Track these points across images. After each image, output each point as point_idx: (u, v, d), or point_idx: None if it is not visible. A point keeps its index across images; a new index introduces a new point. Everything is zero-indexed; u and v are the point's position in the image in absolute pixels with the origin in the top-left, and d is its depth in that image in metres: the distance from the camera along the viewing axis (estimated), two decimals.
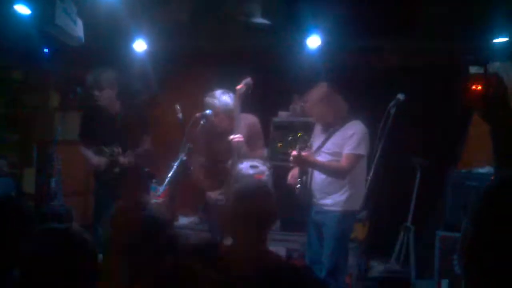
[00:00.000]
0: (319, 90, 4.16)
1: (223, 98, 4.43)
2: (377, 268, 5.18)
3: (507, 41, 4.81)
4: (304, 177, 4.17)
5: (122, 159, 4.78)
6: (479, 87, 1.54)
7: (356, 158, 4.00)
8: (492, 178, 4.64)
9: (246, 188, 2.76)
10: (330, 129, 4.16)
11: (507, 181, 1.31)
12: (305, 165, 4.11)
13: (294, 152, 3.98)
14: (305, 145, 4.00)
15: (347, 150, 4.00)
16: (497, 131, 1.63)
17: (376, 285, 5.01)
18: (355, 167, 4.01)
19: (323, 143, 4.17)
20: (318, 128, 4.35)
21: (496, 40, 4.88)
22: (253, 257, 2.39)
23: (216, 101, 4.42)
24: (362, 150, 4.00)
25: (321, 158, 4.14)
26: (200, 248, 2.06)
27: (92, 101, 4.83)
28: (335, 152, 4.06)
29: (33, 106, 6.23)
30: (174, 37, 5.18)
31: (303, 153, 3.95)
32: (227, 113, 4.42)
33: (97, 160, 4.80)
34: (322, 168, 4.10)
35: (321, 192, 4.12)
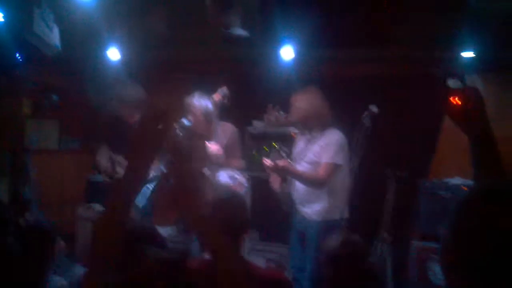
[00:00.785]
0: (308, 93, 4.17)
1: (203, 100, 4.44)
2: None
3: (474, 55, 4.94)
4: (284, 185, 4.18)
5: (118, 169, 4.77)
6: (459, 101, 1.58)
7: (334, 167, 3.98)
8: (465, 188, 4.78)
9: (219, 197, 2.78)
10: (309, 137, 4.17)
11: (484, 191, 1.35)
12: (282, 174, 4.09)
13: (269, 161, 3.97)
14: (279, 154, 3.99)
15: (324, 159, 4.00)
16: (476, 144, 1.66)
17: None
18: (333, 176, 4.00)
19: (303, 151, 4.19)
20: (299, 137, 4.35)
21: (463, 54, 5.01)
22: (231, 269, 2.38)
23: (195, 102, 4.42)
24: (340, 160, 3.99)
25: (300, 167, 4.13)
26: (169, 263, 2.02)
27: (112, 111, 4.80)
28: (314, 161, 4.07)
29: (4, 113, 6.12)
30: (150, 45, 5.18)
31: (279, 163, 3.94)
32: (205, 115, 4.41)
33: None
34: (299, 177, 4.10)
35: (302, 200, 4.14)
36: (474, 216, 1.27)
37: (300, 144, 4.30)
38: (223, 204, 2.62)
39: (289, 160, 4.07)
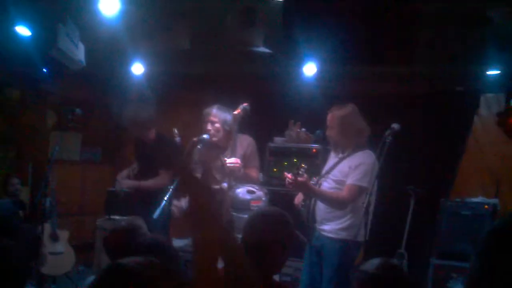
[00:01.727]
0: (347, 108, 4.03)
1: (222, 111, 4.46)
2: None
3: (499, 73, 4.90)
4: (307, 201, 4.13)
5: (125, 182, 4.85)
6: None
7: (359, 189, 3.84)
8: (486, 207, 4.72)
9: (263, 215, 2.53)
10: (341, 155, 4.08)
11: None
12: (302, 190, 4.02)
13: (290, 176, 3.87)
14: (300, 171, 3.91)
15: (350, 180, 3.87)
16: None
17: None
18: (357, 198, 3.86)
19: (331, 168, 4.08)
20: (331, 154, 4.26)
21: (489, 72, 4.96)
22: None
23: (214, 112, 4.44)
24: (366, 183, 3.83)
25: (326, 183, 4.06)
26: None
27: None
28: (340, 181, 3.95)
29: (30, 125, 6.24)
30: (173, 61, 5.23)
31: (299, 179, 3.81)
32: (224, 125, 4.43)
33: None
34: (320, 196, 4.01)
35: (322, 217, 4.02)
36: (502, 246, 1.24)
37: (330, 161, 4.21)
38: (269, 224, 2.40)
39: (306, 176, 3.96)
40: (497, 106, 5.43)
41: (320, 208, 4.06)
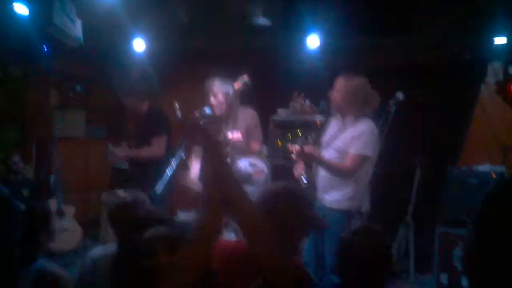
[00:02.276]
0: (353, 78, 3.98)
1: (224, 84, 4.42)
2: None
3: (506, 41, 4.82)
4: (309, 171, 4.13)
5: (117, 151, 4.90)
6: None
7: (362, 159, 3.86)
8: (494, 175, 4.69)
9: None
10: (341, 124, 4.06)
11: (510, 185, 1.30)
12: (309, 159, 4.00)
13: (297, 147, 3.87)
14: (306, 140, 3.90)
15: (353, 150, 3.86)
16: None
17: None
18: (360, 167, 3.89)
19: (333, 138, 4.06)
20: (331, 123, 4.25)
21: (496, 40, 4.88)
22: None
23: (217, 84, 4.41)
24: (369, 151, 3.86)
25: (328, 154, 4.05)
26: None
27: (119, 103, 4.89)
28: (342, 150, 3.94)
29: (33, 103, 6.25)
30: (174, 36, 5.18)
31: (306, 148, 3.84)
32: (226, 98, 4.39)
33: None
34: (325, 165, 4.00)
35: (324, 187, 4.01)
36: (498, 210, 1.22)
37: (330, 130, 4.18)
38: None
39: (315, 147, 3.96)
40: (498, 76, 5.36)
41: (322, 178, 4.05)
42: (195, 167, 4.51)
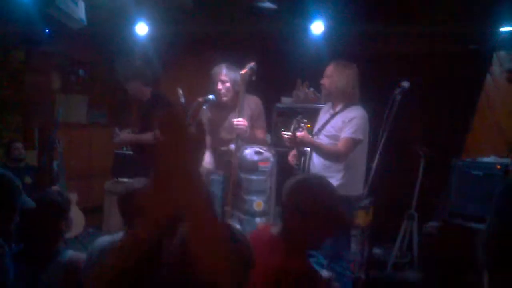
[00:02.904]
0: (343, 65, 4.10)
1: (231, 70, 4.39)
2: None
3: None
4: (302, 159, 4.15)
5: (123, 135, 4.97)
6: None
7: (354, 142, 3.96)
8: (499, 167, 4.65)
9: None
10: (332, 111, 4.14)
11: None
12: (301, 145, 4.08)
13: (290, 134, 3.95)
14: (299, 125, 3.93)
15: (345, 133, 3.97)
16: None
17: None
18: (352, 151, 3.98)
19: (324, 125, 4.15)
20: (323, 110, 4.33)
21: (502, 29, 4.82)
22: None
23: (224, 71, 4.38)
24: (360, 135, 3.96)
25: (320, 140, 4.12)
26: None
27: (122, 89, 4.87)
28: (334, 135, 4.04)
29: (34, 88, 6.18)
30: (177, 20, 5.13)
31: (298, 133, 3.90)
32: (233, 85, 4.37)
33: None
34: (318, 149, 4.08)
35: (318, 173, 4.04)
36: None
37: (322, 118, 4.27)
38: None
39: (306, 131, 3.98)
40: (510, 64, 5.31)
41: (316, 165, 4.12)
42: (206, 156, 4.51)
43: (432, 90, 5.41)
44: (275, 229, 2.27)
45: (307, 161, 4.15)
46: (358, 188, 4.02)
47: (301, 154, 4.17)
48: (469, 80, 5.50)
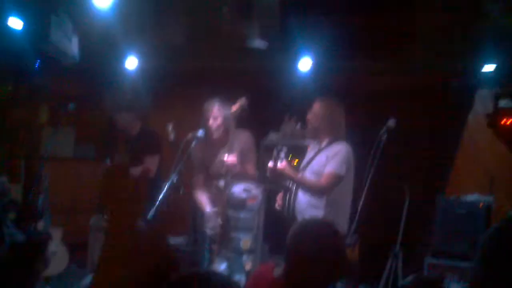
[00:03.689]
0: (328, 102, 4.15)
1: (224, 106, 4.41)
2: None
3: (495, 69, 4.88)
4: (287, 197, 4.14)
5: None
6: (509, 122, 1.54)
7: (336, 177, 3.96)
8: (481, 206, 4.70)
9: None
10: (318, 148, 4.16)
11: None
12: (282, 177, 4.07)
13: (270, 164, 3.94)
14: (279, 155, 3.91)
15: (328, 168, 3.97)
16: None
17: None
18: (335, 186, 3.98)
19: (309, 161, 4.17)
20: (310, 147, 4.35)
21: (484, 68, 4.95)
22: None
23: (217, 106, 4.38)
24: (343, 170, 3.96)
25: (306, 176, 4.12)
26: None
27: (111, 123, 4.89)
28: (317, 171, 4.05)
29: (21, 121, 6.15)
30: (168, 55, 5.18)
31: (279, 165, 3.90)
32: (225, 122, 4.38)
33: None
34: (299, 182, 4.08)
35: (302, 213, 4.05)
36: (505, 246, 1.22)
37: (309, 154, 4.29)
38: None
39: (286, 162, 3.99)
40: (492, 103, 5.41)
41: (300, 203, 4.10)
42: (202, 197, 4.50)
43: (416, 126, 5.48)
44: (277, 271, 2.28)
45: (292, 198, 4.14)
46: (342, 226, 3.95)
47: (286, 191, 4.16)
48: (452, 117, 5.60)
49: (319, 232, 2.21)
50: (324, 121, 4.10)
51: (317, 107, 4.17)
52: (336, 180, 3.98)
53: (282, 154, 3.94)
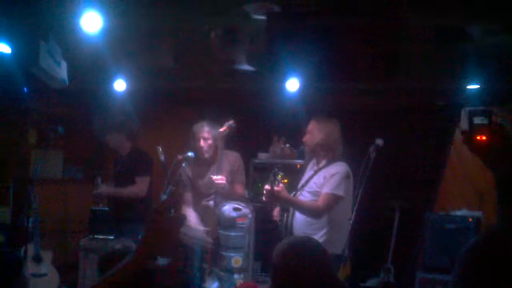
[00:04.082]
0: (327, 122, 4.12)
1: (213, 127, 4.48)
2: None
3: (479, 87, 4.95)
4: (285, 215, 4.13)
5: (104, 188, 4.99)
6: (484, 137, 1.56)
7: (334, 198, 3.90)
8: (470, 220, 4.75)
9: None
10: (316, 168, 4.14)
11: (495, 236, 1.32)
12: (278, 200, 4.01)
13: (267, 187, 3.88)
14: (276, 179, 3.84)
15: (325, 189, 3.92)
16: (503, 181, 1.62)
17: None
18: (332, 208, 3.93)
19: (307, 181, 4.13)
20: (308, 166, 4.33)
21: (469, 87, 5.02)
22: None
23: (207, 128, 4.48)
24: (341, 191, 3.91)
25: (302, 197, 4.10)
26: None
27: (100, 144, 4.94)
28: (316, 192, 4.00)
29: (9, 143, 6.13)
30: (156, 78, 5.22)
31: (275, 188, 3.83)
32: (214, 141, 4.45)
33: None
34: (296, 205, 4.04)
35: (301, 232, 4.02)
36: (483, 262, 1.24)
37: (307, 174, 4.27)
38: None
39: (283, 186, 3.90)
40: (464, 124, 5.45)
41: (298, 221, 4.08)
42: (191, 215, 4.50)
43: (404, 144, 5.54)
44: None
45: (289, 217, 4.13)
46: (340, 246, 3.90)
47: (284, 210, 4.15)
48: (439, 135, 5.67)
49: (306, 250, 2.21)
50: (319, 141, 4.08)
51: (311, 127, 4.15)
52: (334, 201, 3.92)
53: (279, 179, 3.86)
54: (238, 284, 4.22)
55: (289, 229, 4.11)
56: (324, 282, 2.17)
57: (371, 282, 5.19)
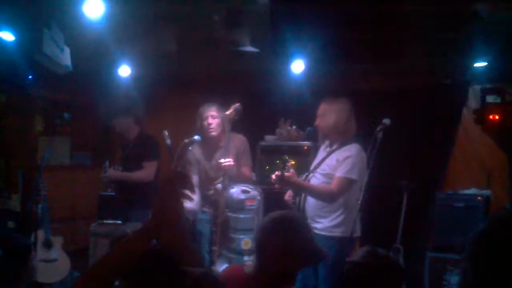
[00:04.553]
0: (340, 103, 4.04)
1: (220, 109, 4.50)
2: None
3: (486, 65, 4.90)
4: (297, 199, 4.11)
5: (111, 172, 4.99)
6: (497, 117, 1.54)
7: (348, 182, 3.85)
8: (480, 198, 4.73)
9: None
10: (329, 150, 4.09)
11: (505, 218, 1.31)
12: (290, 186, 3.99)
13: (277, 173, 3.85)
14: (286, 165, 3.82)
15: (339, 173, 3.87)
16: None
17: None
18: (346, 191, 3.88)
19: (320, 163, 4.09)
20: (321, 147, 4.27)
21: (476, 64, 4.96)
22: None
23: (215, 107, 4.51)
24: (355, 175, 3.85)
25: (314, 178, 4.06)
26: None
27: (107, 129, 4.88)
28: (329, 174, 3.95)
29: (17, 131, 6.16)
30: (160, 63, 5.20)
31: (286, 174, 3.79)
32: (222, 123, 4.47)
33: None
34: (308, 190, 4.01)
35: (314, 215, 4.00)
36: (493, 246, 1.23)
37: (319, 155, 4.23)
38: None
39: (293, 171, 3.86)
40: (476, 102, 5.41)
41: (311, 204, 4.04)
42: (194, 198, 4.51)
43: (412, 124, 5.49)
44: (248, 268, 2.31)
45: (302, 200, 4.10)
46: (354, 229, 3.85)
47: (296, 193, 4.13)
48: (447, 114, 5.62)
49: (287, 225, 2.23)
50: (330, 122, 4.02)
51: (321, 110, 4.09)
52: (347, 185, 3.86)
53: (289, 165, 3.84)
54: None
55: (301, 212, 4.07)
56: (309, 256, 2.22)
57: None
